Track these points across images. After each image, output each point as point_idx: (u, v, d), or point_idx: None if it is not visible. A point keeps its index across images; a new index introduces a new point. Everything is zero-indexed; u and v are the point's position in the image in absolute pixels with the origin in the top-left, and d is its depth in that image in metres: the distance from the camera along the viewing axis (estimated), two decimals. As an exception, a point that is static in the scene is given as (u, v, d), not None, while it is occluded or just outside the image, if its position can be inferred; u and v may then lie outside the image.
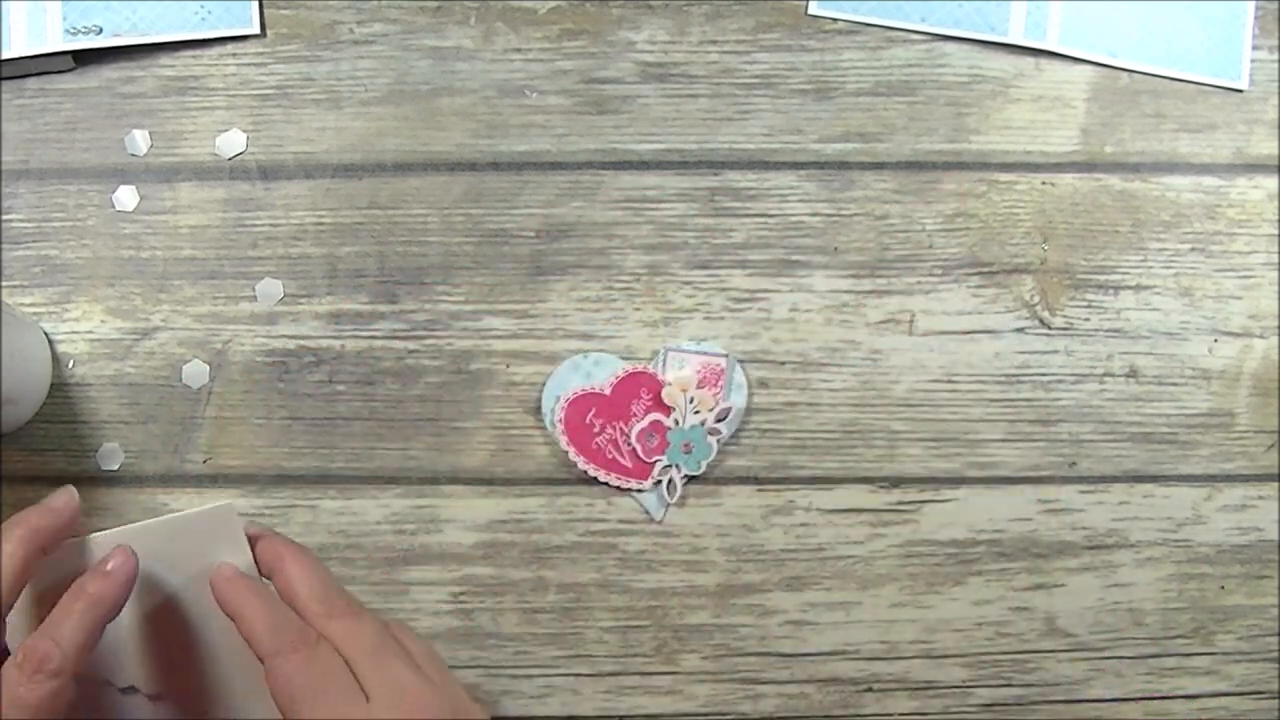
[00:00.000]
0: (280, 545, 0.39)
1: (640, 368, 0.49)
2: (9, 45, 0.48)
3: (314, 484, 0.49)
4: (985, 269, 0.50)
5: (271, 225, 0.50)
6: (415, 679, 0.36)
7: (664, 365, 0.49)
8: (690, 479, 0.49)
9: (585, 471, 0.49)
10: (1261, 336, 0.51)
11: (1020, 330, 0.50)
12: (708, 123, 0.50)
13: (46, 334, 0.49)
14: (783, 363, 0.50)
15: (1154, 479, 0.50)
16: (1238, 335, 0.51)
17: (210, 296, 0.49)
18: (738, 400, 0.49)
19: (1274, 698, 0.51)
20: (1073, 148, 0.51)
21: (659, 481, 0.49)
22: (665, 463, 0.49)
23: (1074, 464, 0.50)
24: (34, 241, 0.49)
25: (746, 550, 0.50)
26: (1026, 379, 0.50)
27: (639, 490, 0.49)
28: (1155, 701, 0.50)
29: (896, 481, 0.50)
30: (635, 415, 0.49)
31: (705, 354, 0.50)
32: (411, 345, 0.50)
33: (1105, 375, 0.50)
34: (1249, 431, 0.51)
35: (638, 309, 0.50)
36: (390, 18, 0.50)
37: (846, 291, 0.50)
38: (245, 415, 0.49)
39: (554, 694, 0.49)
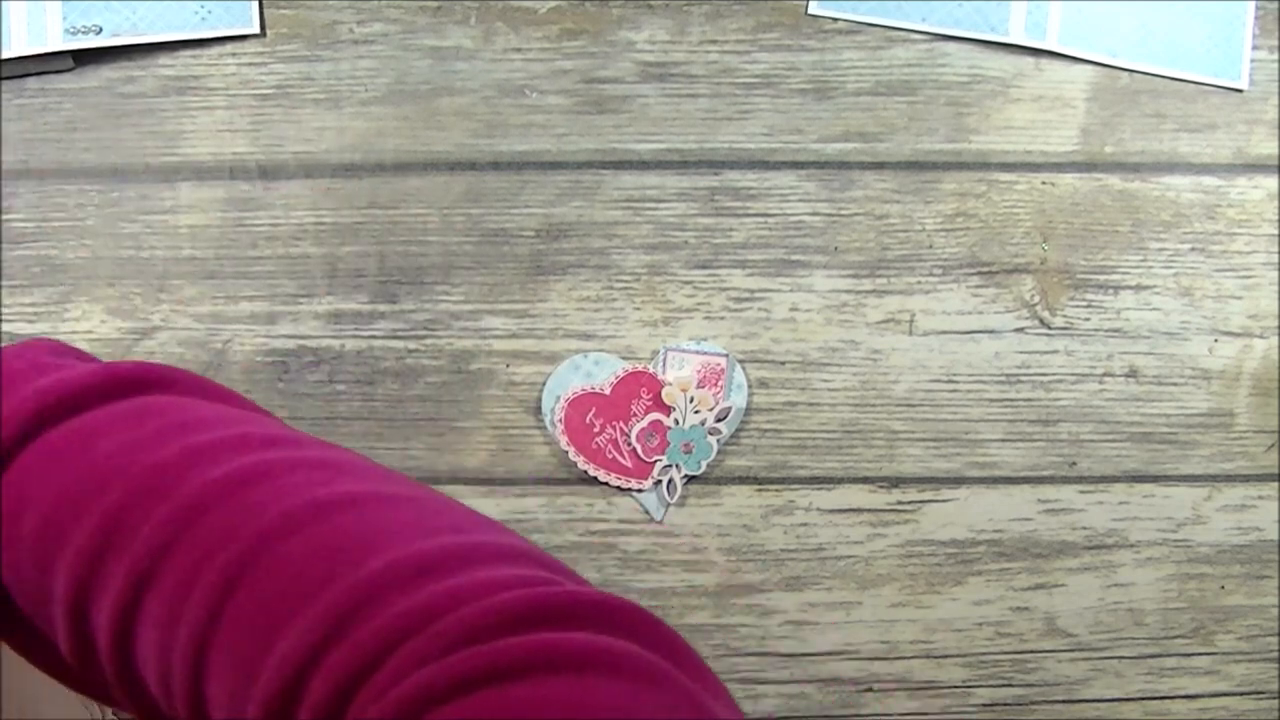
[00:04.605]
0: None
1: (640, 368, 0.49)
2: (9, 45, 0.48)
3: (314, 484, 0.49)
4: (985, 269, 0.50)
5: (271, 225, 0.50)
6: None
7: (664, 365, 0.49)
8: (690, 479, 0.49)
9: (585, 471, 0.49)
10: (1261, 336, 0.51)
11: (1020, 330, 0.50)
12: (708, 123, 0.50)
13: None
14: (783, 363, 0.50)
15: (1154, 479, 0.50)
16: (1238, 335, 0.51)
17: (210, 296, 0.49)
18: (738, 400, 0.49)
19: (1274, 698, 0.50)
20: (1073, 148, 0.51)
21: (659, 481, 0.49)
22: (665, 463, 0.49)
23: (1074, 464, 0.50)
24: (34, 241, 0.49)
25: (746, 550, 0.50)
26: (1026, 379, 0.50)
27: (639, 490, 0.49)
28: (1155, 701, 0.50)
29: (896, 481, 0.50)
30: (635, 415, 0.49)
31: (705, 354, 0.50)
32: (411, 345, 0.50)
33: (1105, 375, 0.50)
34: (1249, 431, 0.51)
35: (638, 309, 0.50)
36: (390, 18, 0.50)
37: (846, 291, 0.50)
38: (245, 415, 0.49)
39: (554, 694, 0.49)
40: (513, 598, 0.25)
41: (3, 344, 0.48)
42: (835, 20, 0.50)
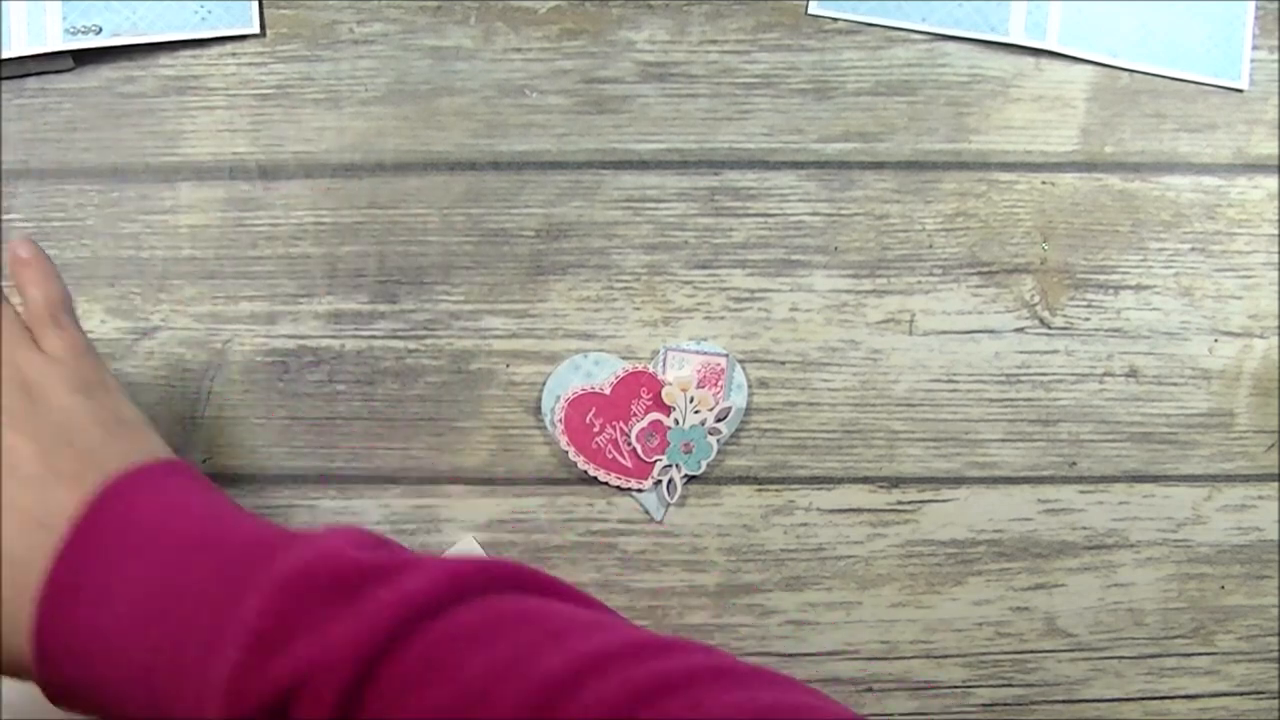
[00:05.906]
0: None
1: (640, 368, 0.49)
2: (9, 45, 0.48)
3: (314, 484, 0.49)
4: (985, 269, 0.50)
5: (271, 225, 0.50)
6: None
7: (664, 365, 0.49)
8: (690, 479, 0.49)
9: (585, 471, 0.49)
10: (1261, 336, 0.51)
11: (1020, 330, 0.50)
12: (708, 123, 0.50)
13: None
14: (783, 363, 0.50)
15: (1154, 479, 0.50)
16: (1238, 335, 0.51)
17: (210, 296, 0.49)
18: (738, 400, 0.49)
19: (1274, 698, 0.51)
20: (1073, 147, 0.51)
21: (659, 481, 0.49)
22: (665, 462, 0.49)
23: (1074, 464, 0.50)
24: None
25: (746, 550, 0.50)
26: (1026, 379, 0.50)
27: (639, 490, 0.49)
28: (1155, 701, 0.50)
29: (896, 481, 0.50)
30: (635, 415, 0.49)
31: (705, 354, 0.50)
32: (411, 345, 0.50)
33: (1105, 375, 0.50)
34: (1249, 431, 0.51)
35: (638, 309, 0.50)
36: (390, 17, 0.50)
37: (846, 291, 0.50)
38: (245, 415, 0.49)
39: (554, 694, 0.49)
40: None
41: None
42: (835, 20, 0.50)
